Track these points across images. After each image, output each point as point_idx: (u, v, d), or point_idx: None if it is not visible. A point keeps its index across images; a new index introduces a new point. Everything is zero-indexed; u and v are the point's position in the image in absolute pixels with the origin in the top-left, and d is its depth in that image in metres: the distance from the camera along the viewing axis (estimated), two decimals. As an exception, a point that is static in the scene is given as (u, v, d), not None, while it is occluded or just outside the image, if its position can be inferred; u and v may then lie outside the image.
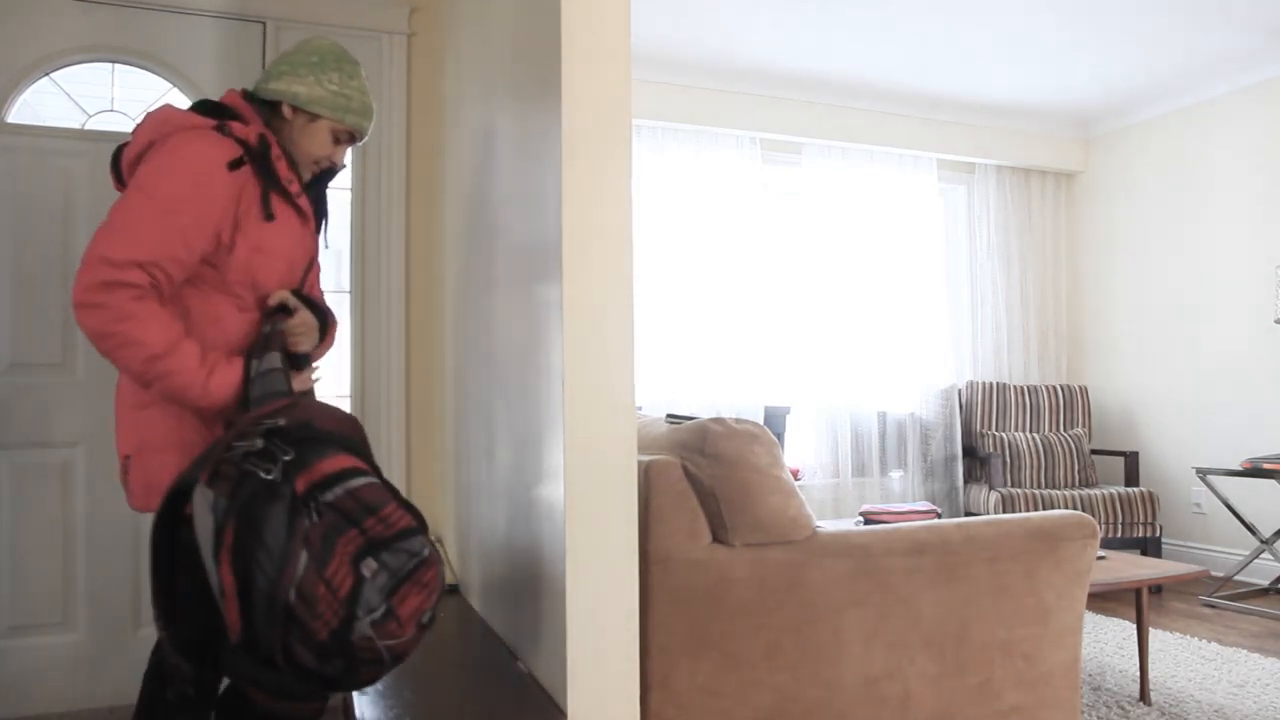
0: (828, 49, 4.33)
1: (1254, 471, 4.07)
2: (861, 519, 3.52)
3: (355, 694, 1.84)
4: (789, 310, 5.01)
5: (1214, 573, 4.72)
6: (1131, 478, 4.74)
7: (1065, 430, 5.09)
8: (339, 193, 3.18)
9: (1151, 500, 4.49)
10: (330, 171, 1.93)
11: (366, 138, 2.01)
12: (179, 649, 1.49)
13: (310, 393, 1.87)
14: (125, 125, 2.99)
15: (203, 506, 1.41)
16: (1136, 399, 5.27)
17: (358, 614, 1.39)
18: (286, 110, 1.81)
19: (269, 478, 1.43)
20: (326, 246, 1.99)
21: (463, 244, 2.71)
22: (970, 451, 5.03)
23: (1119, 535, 4.45)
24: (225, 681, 1.73)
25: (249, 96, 1.83)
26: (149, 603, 2.28)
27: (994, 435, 4.95)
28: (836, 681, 1.89)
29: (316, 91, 1.80)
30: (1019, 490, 4.51)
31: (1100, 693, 2.95)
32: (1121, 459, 5.01)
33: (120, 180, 1.79)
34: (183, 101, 3.00)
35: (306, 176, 1.87)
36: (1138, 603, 2.86)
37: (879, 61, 4.50)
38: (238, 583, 1.37)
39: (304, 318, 1.81)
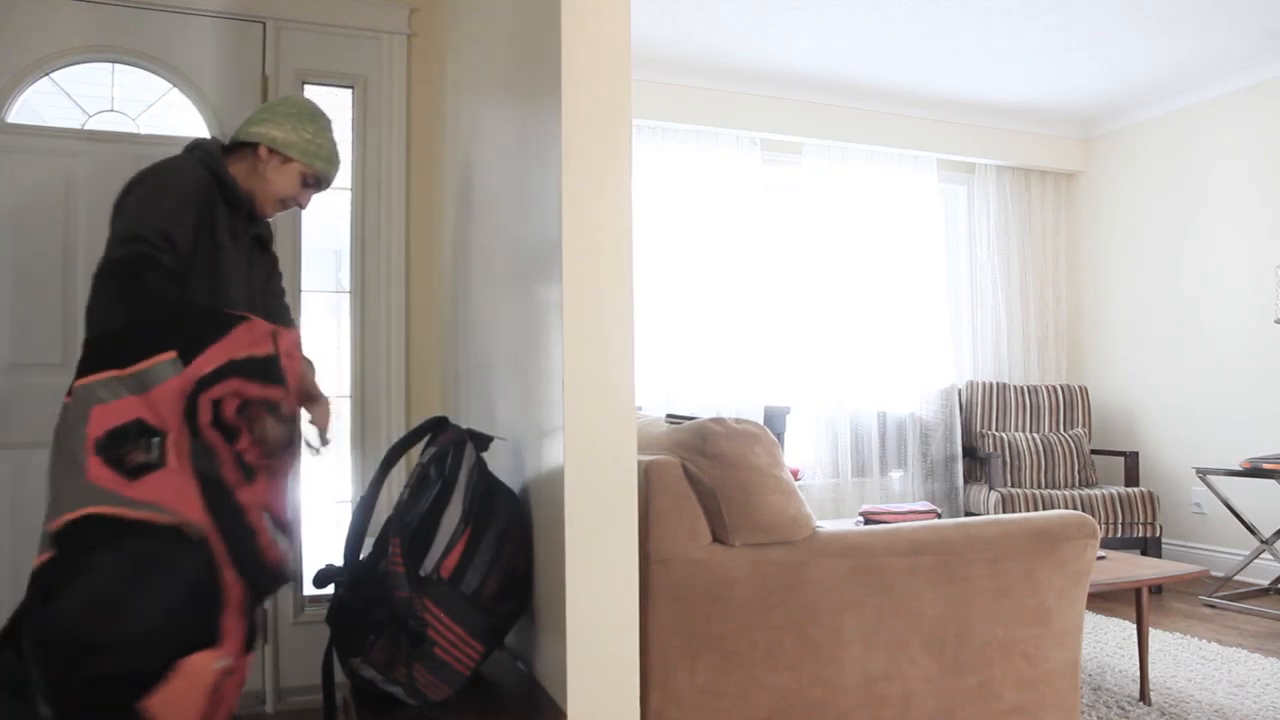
0: (828, 49, 4.33)
1: (1254, 471, 4.07)
2: (861, 519, 3.52)
3: (352, 697, 1.84)
4: (789, 310, 5.01)
5: (1214, 573, 4.72)
6: (1131, 478, 4.74)
7: (1065, 430, 5.09)
8: (339, 193, 3.19)
9: (1151, 500, 4.49)
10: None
11: (330, 185, 2.21)
12: None
13: None
14: (125, 125, 2.99)
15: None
16: (1136, 399, 5.27)
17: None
18: (263, 151, 2.03)
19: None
20: None
21: (463, 244, 2.71)
22: (970, 451, 5.03)
23: (1119, 535, 4.45)
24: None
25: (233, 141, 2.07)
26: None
27: (994, 435, 4.95)
28: (836, 681, 1.89)
29: (291, 137, 2.04)
30: (1019, 490, 4.51)
31: (1100, 693, 2.95)
32: (1121, 459, 5.01)
33: None
34: (182, 102, 3.01)
35: (271, 213, 2.12)
36: (1138, 603, 2.86)
37: (879, 61, 4.49)
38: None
39: None
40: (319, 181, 2.11)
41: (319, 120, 2.09)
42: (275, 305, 2.24)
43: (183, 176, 1.90)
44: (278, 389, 1.81)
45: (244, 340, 1.77)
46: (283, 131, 2.03)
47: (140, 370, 1.64)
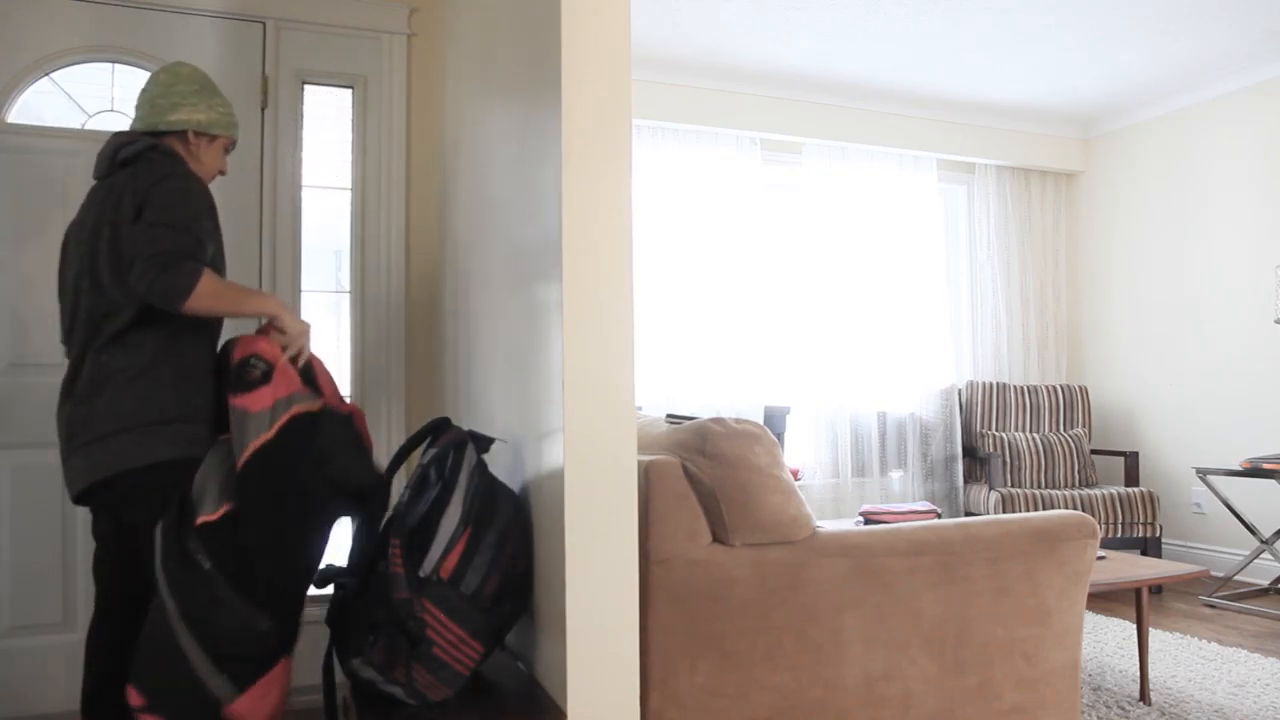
0: (828, 49, 4.33)
1: (1254, 471, 4.07)
2: (861, 519, 3.52)
3: (353, 697, 1.84)
4: (789, 310, 5.01)
5: (1214, 573, 4.72)
6: (1131, 478, 4.74)
7: (1065, 430, 5.09)
8: (339, 193, 3.19)
9: (1151, 500, 4.49)
10: None
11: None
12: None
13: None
14: (125, 125, 2.99)
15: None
16: (1136, 399, 5.27)
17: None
18: (191, 136, 2.10)
19: None
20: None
21: (463, 244, 2.71)
22: (970, 451, 5.03)
23: (1119, 535, 4.45)
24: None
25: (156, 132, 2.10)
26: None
27: (994, 435, 4.95)
28: (836, 681, 1.89)
29: (212, 115, 2.12)
30: (1019, 490, 4.51)
31: (1100, 693, 2.95)
32: (1121, 459, 5.01)
33: None
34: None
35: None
36: (1138, 603, 2.86)
37: (879, 61, 4.49)
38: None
39: None
40: (234, 145, 2.23)
41: (215, 88, 2.17)
42: None
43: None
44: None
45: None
46: (202, 113, 2.09)
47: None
